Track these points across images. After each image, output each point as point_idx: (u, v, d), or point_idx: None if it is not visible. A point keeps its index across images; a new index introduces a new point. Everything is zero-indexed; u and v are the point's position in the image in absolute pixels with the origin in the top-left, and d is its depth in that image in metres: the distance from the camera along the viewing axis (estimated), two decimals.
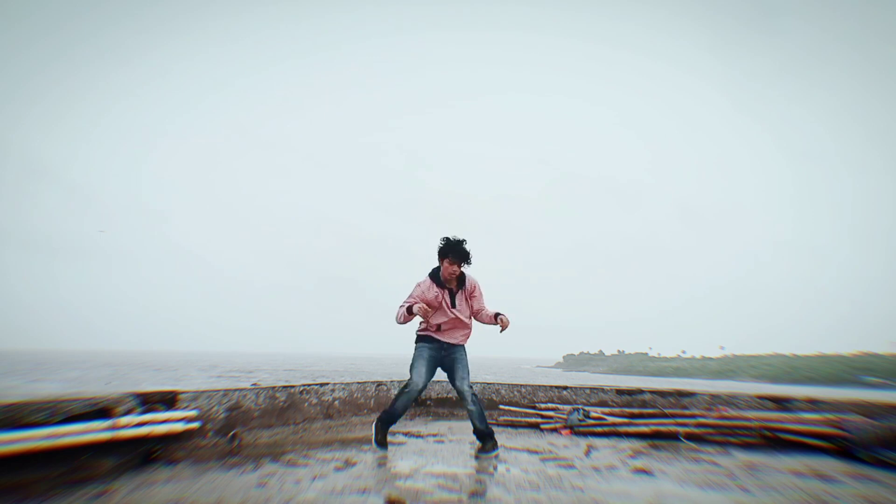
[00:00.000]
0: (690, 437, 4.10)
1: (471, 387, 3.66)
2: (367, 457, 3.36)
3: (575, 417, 4.51)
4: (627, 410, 4.53)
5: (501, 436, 3.89)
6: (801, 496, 2.60)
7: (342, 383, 4.72)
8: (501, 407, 5.01)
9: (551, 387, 5.08)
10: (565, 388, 5.01)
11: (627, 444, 3.95)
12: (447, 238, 3.52)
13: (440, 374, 3.82)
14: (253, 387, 3.90)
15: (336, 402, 4.59)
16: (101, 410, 2.86)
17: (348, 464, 3.14)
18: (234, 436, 3.57)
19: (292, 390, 4.18)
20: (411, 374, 3.65)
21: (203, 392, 3.50)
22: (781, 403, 4.19)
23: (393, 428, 4.44)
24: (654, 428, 4.24)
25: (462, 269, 3.55)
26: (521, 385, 5.21)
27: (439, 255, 3.54)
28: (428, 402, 5.43)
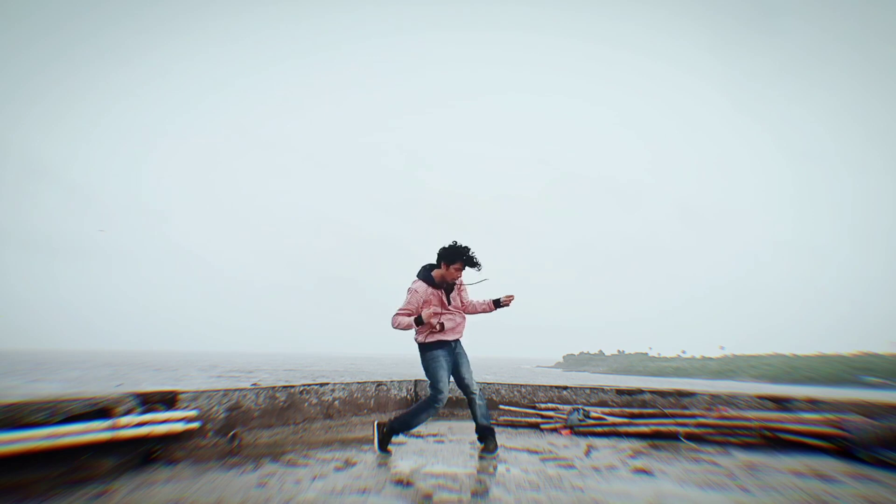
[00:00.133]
0: (690, 437, 4.10)
1: (476, 382, 3.68)
2: (367, 457, 3.36)
3: (575, 417, 4.51)
4: (627, 410, 4.53)
5: (501, 436, 3.90)
6: (801, 496, 2.60)
7: (342, 383, 4.72)
8: (501, 407, 5.01)
9: (551, 387, 5.08)
10: (565, 388, 5.01)
11: (627, 444, 3.95)
12: (457, 244, 3.52)
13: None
14: (253, 387, 3.90)
15: (336, 402, 4.59)
16: (101, 410, 2.87)
17: (348, 464, 3.14)
18: (234, 436, 3.57)
19: (292, 390, 4.18)
20: (439, 387, 3.51)
21: (203, 392, 3.51)
22: (781, 403, 4.19)
23: None
24: (654, 428, 4.24)
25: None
26: (521, 385, 5.21)
27: (446, 258, 3.52)
28: None
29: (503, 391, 5.21)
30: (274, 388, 4.04)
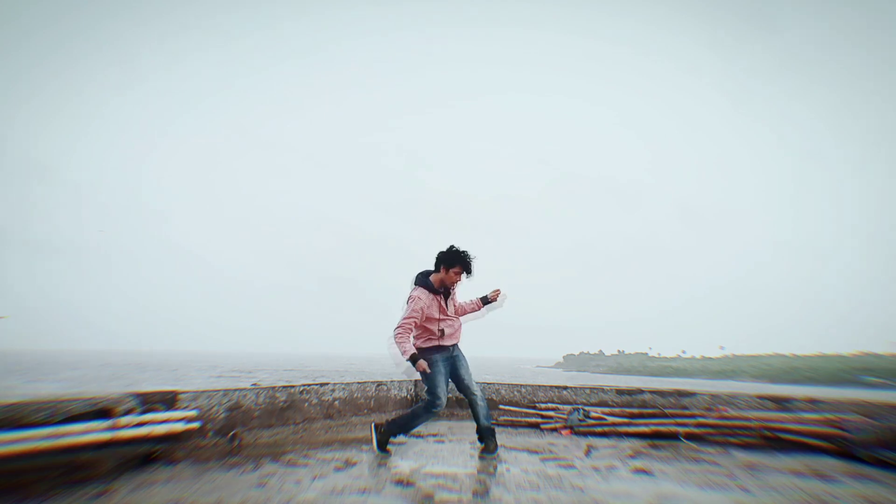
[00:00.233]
0: (690, 437, 4.10)
1: (476, 384, 3.69)
2: (367, 457, 3.36)
3: (575, 417, 4.51)
4: (627, 410, 4.53)
5: (501, 436, 3.90)
6: (801, 496, 2.60)
7: (342, 383, 4.72)
8: (501, 407, 5.01)
9: (551, 387, 5.09)
10: (565, 388, 5.01)
11: (627, 444, 3.95)
12: (455, 248, 3.52)
13: None
14: (253, 387, 3.90)
15: (336, 402, 4.59)
16: (101, 410, 2.87)
17: (348, 464, 3.14)
18: (234, 436, 3.57)
19: (292, 390, 4.18)
20: (437, 392, 3.52)
21: (203, 392, 3.50)
22: (781, 403, 4.19)
23: None
24: (654, 428, 4.24)
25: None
26: (521, 385, 5.21)
27: (445, 263, 3.53)
28: None
29: (503, 391, 5.21)
30: (274, 388, 4.04)
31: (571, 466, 3.18)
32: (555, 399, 4.98)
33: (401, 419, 3.62)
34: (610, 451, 3.70)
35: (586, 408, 4.60)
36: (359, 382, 4.91)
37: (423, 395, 5.42)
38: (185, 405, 3.33)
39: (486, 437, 3.59)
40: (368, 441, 3.84)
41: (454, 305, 3.72)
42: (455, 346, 3.70)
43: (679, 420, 4.24)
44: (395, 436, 3.63)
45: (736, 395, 4.43)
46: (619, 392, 4.78)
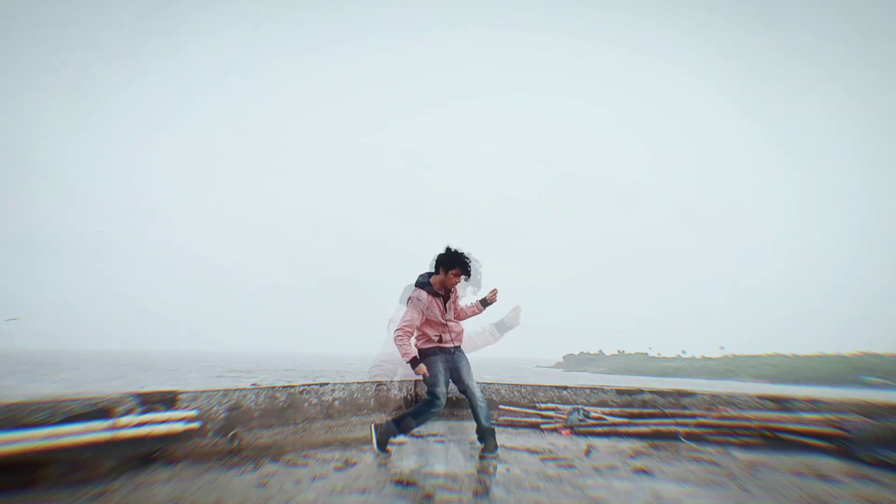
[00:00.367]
0: (690, 437, 4.10)
1: (477, 384, 3.70)
2: (367, 457, 3.36)
3: (575, 417, 4.51)
4: (627, 410, 4.53)
5: (501, 436, 3.89)
6: (801, 496, 2.60)
7: (342, 383, 4.72)
8: (501, 407, 5.01)
9: (551, 387, 5.08)
10: (565, 388, 5.01)
11: (627, 444, 3.95)
12: (451, 250, 3.54)
13: None
14: (253, 387, 3.90)
15: (336, 402, 4.59)
16: (101, 410, 2.86)
17: (348, 464, 3.14)
18: (234, 436, 3.57)
19: (292, 390, 4.18)
20: (436, 391, 3.55)
21: (203, 392, 3.50)
22: (781, 403, 4.19)
23: None
24: (654, 428, 4.24)
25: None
26: (521, 385, 5.21)
27: (444, 265, 3.56)
28: None
29: (503, 391, 5.21)
30: (274, 388, 4.04)
31: (571, 466, 3.18)
32: (555, 399, 4.98)
33: (400, 419, 3.63)
34: (610, 451, 3.70)
35: (586, 408, 4.60)
36: (359, 382, 4.91)
37: (424, 394, 5.43)
38: (185, 405, 3.33)
39: (486, 437, 3.60)
40: (368, 441, 3.83)
41: (455, 309, 3.74)
42: (457, 347, 3.71)
43: (679, 420, 4.24)
44: (394, 436, 3.63)
45: (736, 395, 4.43)
46: (619, 392, 4.78)
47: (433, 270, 3.64)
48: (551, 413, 4.71)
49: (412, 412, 3.62)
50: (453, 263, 3.53)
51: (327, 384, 4.57)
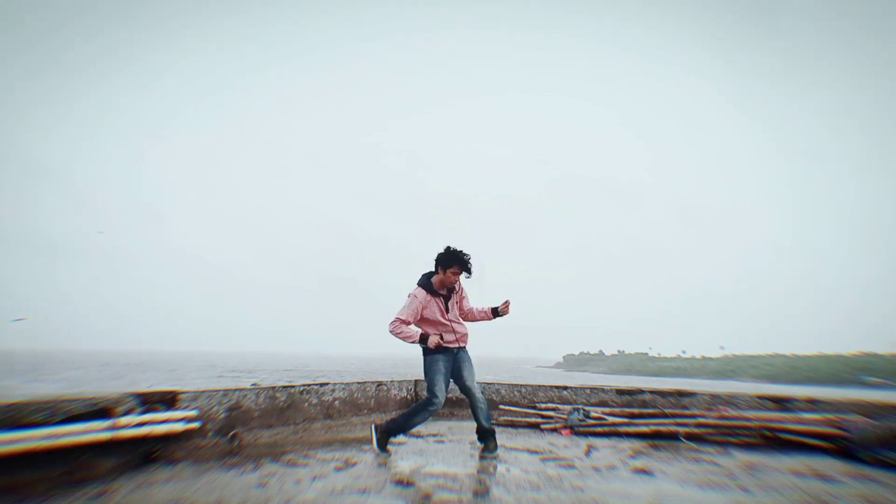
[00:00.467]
0: (690, 437, 4.10)
1: (478, 385, 3.70)
2: (367, 457, 3.36)
3: (575, 417, 4.51)
4: (627, 410, 4.53)
5: (501, 436, 3.90)
6: (801, 496, 2.60)
7: (342, 383, 4.72)
8: (501, 407, 5.01)
9: (551, 387, 5.09)
10: (565, 388, 5.01)
11: (627, 444, 3.95)
12: (451, 248, 3.54)
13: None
14: (253, 387, 3.90)
15: (336, 402, 4.59)
16: (101, 410, 2.86)
17: (348, 464, 3.14)
18: (234, 436, 3.57)
19: (292, 390, 4.18)
20: (434, 391, 3.55)
21: (203, 392, 3.50)
22: (781, 403, 4.19)
23: None
24: (654, 428, 4.24)
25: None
26: (521, 385, 5.21)
27: (443, 263, 3.57)
28: None
29: (503, 391, 5.21)
30: (274, 388, 4.04)
31: (571, 466, 3.18)
32: (555, 399, 4.98)
33: (400, 418, 3.64)
34: (610, 451, 3.70)
35: (586, 408, 4.60)
36: (359, 382, 4.91)
37: (423, 394, 5.42)
38: (185, 405, 3.33)
39: (486, 438, 3.61)
40: (368, 441, 3.83)
41: (461, 308, 3.73)
42: (461, 348, 3.71)
43: (679, 420, 4.24)
44: (394, 435, 3.63)
45: (736, 395, 4.43)
46: (619, 392, 4.78)
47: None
48: (551, 413, 4.71)
49: (411, 411, 3.62)
50: (451, 262, 3.54)
51: (327, 384, 4.57)
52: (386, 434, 3.59)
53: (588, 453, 3.60)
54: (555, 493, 2.58)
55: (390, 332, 3.55)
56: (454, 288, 3.67)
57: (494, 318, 3.78)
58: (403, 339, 3.55)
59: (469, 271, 3.57)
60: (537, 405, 4.92)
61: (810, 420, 3.88)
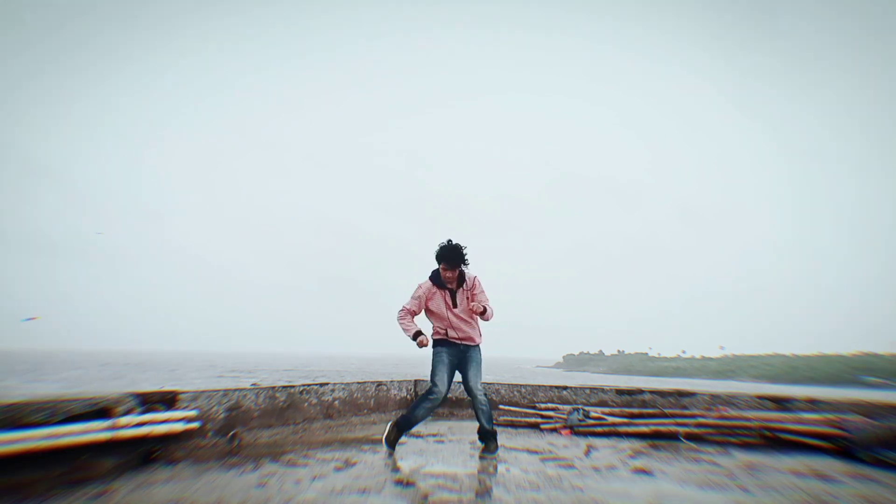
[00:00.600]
0: (690, 437, 4.10)
1: (482, 387, 3.70)
2: (367, 457, 3.36)
3: (575, 417, 4.51)
4: (627, 410, 4.53)
5: (501, 436, 3.90)
6: (801, 496, 2.60)
7: (342, 383, 4.72)
8: (501, 407, 5.01)
9: (551, 387, 5.09)
10: (565, 388, 5.01)
11: (627, 444, 3.95)
12: (442, 243, 3.55)
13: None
14: (253, 387, 3.90)
15: (336, 402, 4.59)
16: (101, 410, 2.86)
17: (348, 464, 3.14)
18: (234, 436, 3.57)
19: (292, 390, 4.18)
20: (434, 380, 3.60)
21: (203, 392, 3.50)
22: (781, 403, 4.19)
23: None
24: (654, 428, 4.24)
25: (461, 269, 3.58)
26: (521, 385, 5.21)
27: (436, 260, 3.59)
28: None
29: (503, 391, 5.21)
30: (274, 388, 4.04)
31: (571, 466, 3.18)
32: (555, 399, 4.98)
33: (407, 412, 3.69)
34: (610, 451, 3.70)
35: (586, 408, 4.60)
36: (359, 382, 4.91)
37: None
38: (185, 405, 3.33)
39: (487, 438, 3.62)
40: (368, 441, 3.84)
41: (469, 302, 3.66)
42: (470, 346, 3.71)
43: (679, 420, 4.24)
44: (405, 431, 3.66)
45: (736, 395, 4.43)
46: (619, 392, 4.78)
47: None
48: (551, 413, 4.71)
49: (414, 403, 3.68)
50: (439, 259, 3.56)
51: (327, 384, 4.57)
52: (396, 428, 3.62)
53: (588, 453, 3.60)
54: (554, 493, 2.58)
55: (397, 319, 3.68)
56: (463, 280, 3.63)
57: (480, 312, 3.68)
58: (403, 330, 3.63)
59: (449, 264, 3.51)
60: (537, 405, 4.92)
61: (810, 420, 3.88)
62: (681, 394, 4.60)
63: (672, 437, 4.14)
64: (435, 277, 3.64)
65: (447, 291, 3.63)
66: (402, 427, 3.63)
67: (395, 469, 3.07)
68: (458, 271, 3.56)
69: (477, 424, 3.71)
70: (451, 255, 3.50)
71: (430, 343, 3.69)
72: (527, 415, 4.86)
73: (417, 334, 3.58)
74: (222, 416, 3.58)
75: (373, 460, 3.27)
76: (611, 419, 4.43)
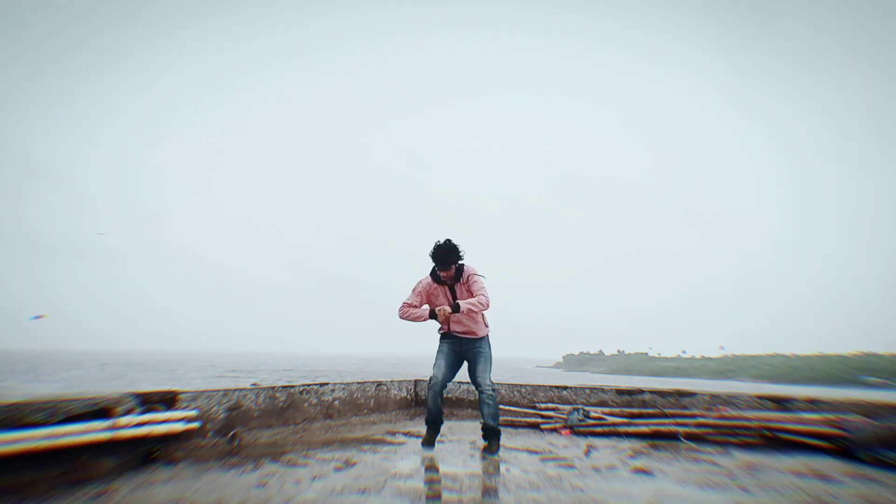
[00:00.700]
0: (690, 437, 4.10)
1: (491, 382, 3.67)
2: (367, 457, 3.36)
3: (575, 417, 4.51)
4: (627, 410, 4.53)
5: (502, 436, 3.90)
6: (801, 496, 2.60)
7: (342, 383, 4.72)
8: (501, 407, 5.00)
9: (551, 387, 5.08)
10: (565, 388, 5.01)
11: (627, 444, 3.95)
12: (438, 243, 3.58)
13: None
14: (253, 387, 3.91)
15: (336, 402, 4.59)
16: (101, 410, 2.86)
17: (348, 464, 3.14)
18: (234, 436, 3.57)
19: (292, 390, 4.18)
20: (433, 368, 3.72)
21: (203, 392, 3.50)
22: (781, 403, 4.19)
23: (393, 428, 4.43)
24: (654, 428, 4.24)
25: (458, 266, 3.58)
26: (521, 385, 5.21)
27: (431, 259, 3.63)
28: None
29: (503, 391, 5.21)
30: (274, 388, 4.04)
31: (571, 466, 3.18)
32: (555, 399, 4.98)
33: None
34: (610, 451, 3.70)
35: (586, 408, 4.60)
36: (359, 382, 4.91)
37: (423, 394, 5.43)
38: (185, 405, 3.33)
39: (489, 437, 3.59)
40: (368, 441, 3.84)
41: (470, 296, 3.66)
42: (475, 339, 3.72)
43: (679, 420, 4.24)
44: (431, 427, 3.66)
45: (736, 395, 4.43)
46: (619, 392, 4.78)
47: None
48: (551, 413, 4.71)
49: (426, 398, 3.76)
50: (432, 261, 3.59)
51: (327, 384, 4.57)
52: (426, 428, 3.68)
53: (588, 453, 3.60)
54: (554, 493, 2.58)
55: (399, 317, 3.66)
56: (461, 275, 3.63)
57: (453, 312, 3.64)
58: (413, 319, 3.64)
59: (439, 265, 3.52)
60: (537, 405, 4.92)
61: (810, 420, 3.88)
62: (681, 394, 4.60)
63: (672, 437, 4.14)
64: (434, 274, 3.67)
65: (447, 287, 3.66)
66: (428, 424, 3.68)
67: (395, 469, 3.07)
68: (452, 269, 3.57)
69: (477, 424, 3.71)
70: (441, 256, 3.53)
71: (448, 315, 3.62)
72: (527, 415, 4.86)
73: (433, 312, 3.61)
74: (222, 416, 3.58)
75: (373, 460, 3.27)
76: (611, 419, 4.43)
